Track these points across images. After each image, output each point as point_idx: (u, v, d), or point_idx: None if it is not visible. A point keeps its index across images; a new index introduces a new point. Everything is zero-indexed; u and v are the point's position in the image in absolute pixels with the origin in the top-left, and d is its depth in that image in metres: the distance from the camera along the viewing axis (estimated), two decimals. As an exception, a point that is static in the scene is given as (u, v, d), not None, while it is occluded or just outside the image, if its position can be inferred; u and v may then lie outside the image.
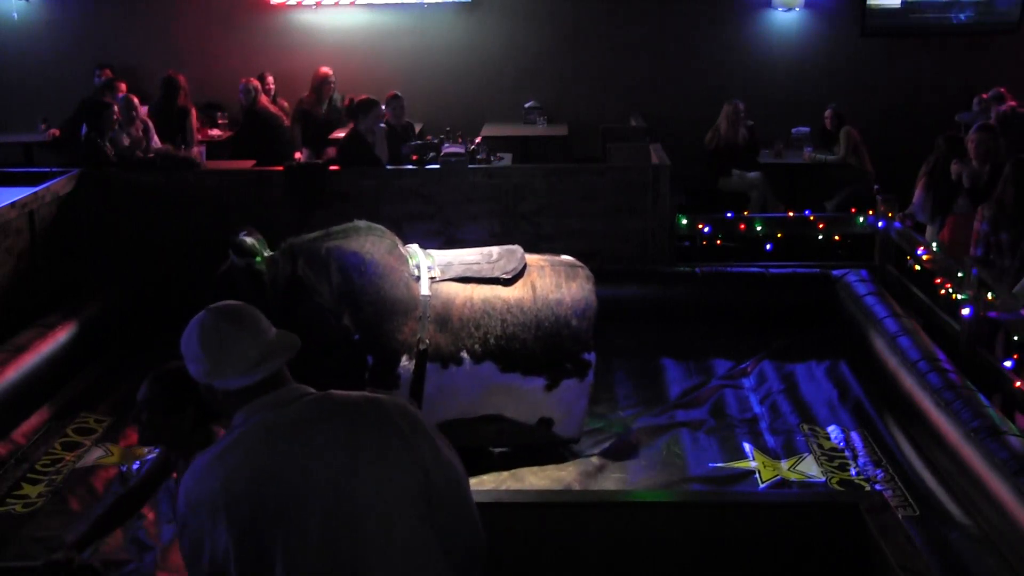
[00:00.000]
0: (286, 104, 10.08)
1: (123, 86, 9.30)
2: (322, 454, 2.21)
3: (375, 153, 7.70)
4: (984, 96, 9.12)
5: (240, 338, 2.31)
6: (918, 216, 7.09)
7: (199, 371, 2.33)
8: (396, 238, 5.03)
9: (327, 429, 2.24)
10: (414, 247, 5.05)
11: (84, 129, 7.96)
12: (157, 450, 5.22)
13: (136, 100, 8.36)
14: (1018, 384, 5.26)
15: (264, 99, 9.50)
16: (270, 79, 10.04)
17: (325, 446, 2.21)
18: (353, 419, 2.27)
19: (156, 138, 8.34)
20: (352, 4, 10.64)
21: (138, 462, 5.12)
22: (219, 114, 10.32)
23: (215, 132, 10.02)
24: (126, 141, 7.87)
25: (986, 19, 10.44)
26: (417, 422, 2.33)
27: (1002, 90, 8.79)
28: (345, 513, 2.19)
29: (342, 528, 2.19)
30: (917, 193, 6.79)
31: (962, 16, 10.36)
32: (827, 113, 9.61)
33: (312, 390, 2.36)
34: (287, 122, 9.61)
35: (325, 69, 9.68)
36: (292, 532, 2.18)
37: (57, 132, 9.67)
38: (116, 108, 7.91)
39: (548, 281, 5.00)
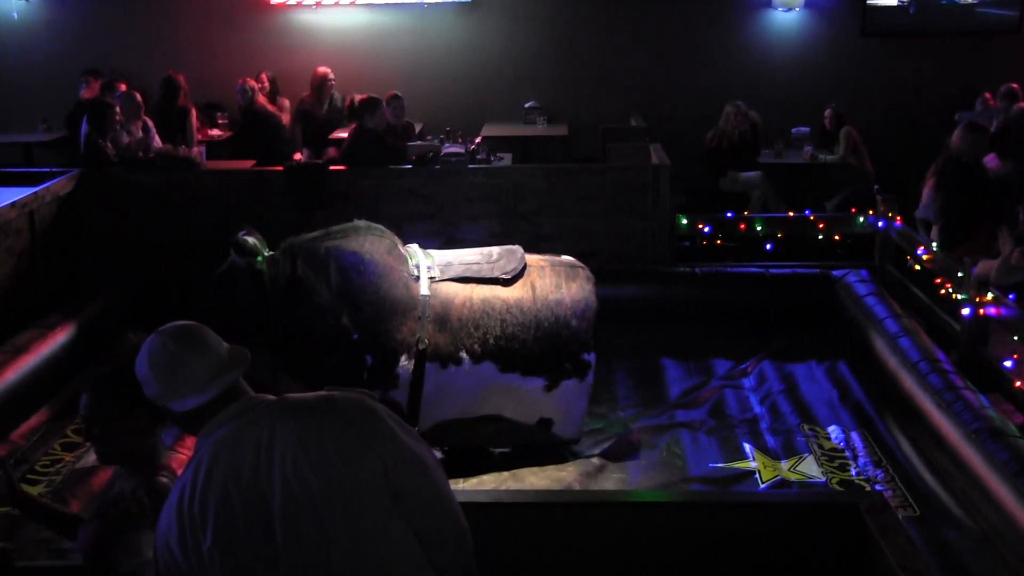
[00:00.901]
0: (287, 102, 10.07)
1: (123, 86, 9.30)
2: (281, 456, 2.23)
3: (391, 145, 7.69)
4: (987, 96, 9.08)
5: (188, 359, 2.34)
6: (926, 216, 7.05)
7: (152, 393, 2.37)
8: (396, 238, 5.03)
9: (282, 432, 2.26)
10: (414, 247, 5.05)
11: (84, 129, 7.96)
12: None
13: (139, 97, 8.34)
14: (1018, 384, 5.26)
15: (262, 99, 9.49)
16: (264, 77, 10.02)
17: (282, 448, 2.24)
18: (307, 419, 2.29)
19: (157, 138, 8.33)
20: (352, 4, 10.63)
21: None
22: (219, 114, 10.31)
23: (215, 132, 10.01)
24: (126, 140, 7.86)
25: (986, 19, 10.44)
26: (376, 417, 2.33)
27: (1014, 86, 8.74)
28: (307, 513, 2.21)
29: (306, 527, 2.21)
30: (925, 193, 6.77)
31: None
32: (827, 113, 9.60)
33: (270, 397, 2.38)
34: (286, 120, 9.59)
35: (323, 69, 9.68)
36: (264, 535, 2.21)
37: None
38: (118, 108, 7.91)
39: (548, 281, 5.00)
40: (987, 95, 9.07)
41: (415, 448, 2.34)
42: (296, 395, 2.37)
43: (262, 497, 2.21)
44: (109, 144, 7.61)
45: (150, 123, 8.42)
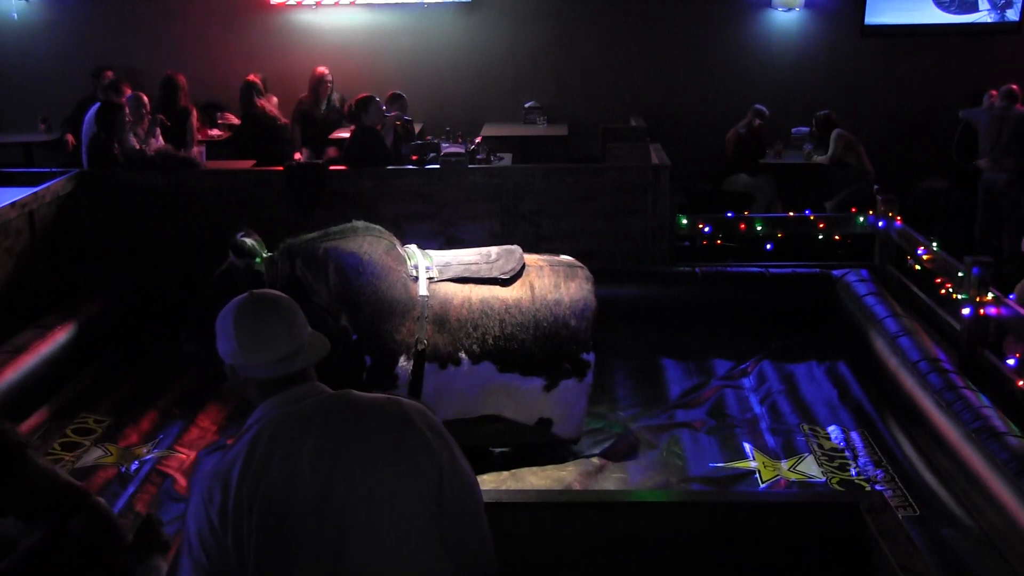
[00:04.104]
0: (275, 99, 10.03)
1: (127, 88, 9.28)
2: (342, 450, 2.22)
3: (385, 146, 7.71)
4: (993, 93, 9.05)
5: (274, 330, 2.33)
6: None
7: (227, 352, 2.35)
8: (394, 238, 5.02)
9: (345, 426, 2.25)
10: (412, 247, 5.05)
11: (87, 130, 7.95)
12: (157, 449, 5.25)
13: (145, 99, 8.33)
14: (1021, 384, 5.26)
15: (262, 101, 9.45)
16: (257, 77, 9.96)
17: (344, 443, 2.23)
18: (373, 419, 2.29)
19: (160, 138, 8.30)
20: (352, 4, 10.64)
21: (136, 462, 5.12)
22: (219, 114, 10.30)
23: (215, 132, 10.00)
24: (134, 142, 7.85)
25: (986, 19, 10.43)
26: (437, 426, 2.35)
27: (1014, 87, 8.72)
28: (358, 511, 2.20)
29: (354, 525, 2.20)
30: None
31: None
32: (813, 121, 9.58)
33: (328, 388, 2.38)
34: (280, 117, 9.57)
35: (321, 69, 9.67)
36: (311, 527, 2.19)
37: (72, 138, 9.58)
38: (127, 110, 7.91)
39: (547, 281, 4.99)
40: (993, 93, 9.03)
41: (464, 462, 2.37)
42: (360, 393, 2.37)
43: (316, 488, 2.19)
44: (116, 145, 7.60)
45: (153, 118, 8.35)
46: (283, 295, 2.45)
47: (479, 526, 2.39)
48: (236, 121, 9.88)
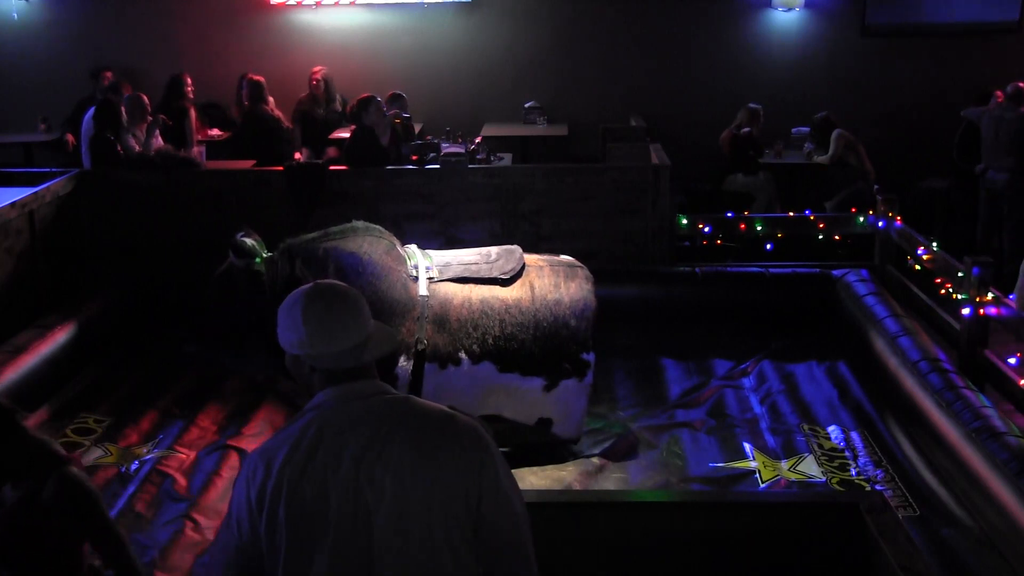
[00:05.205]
0: (271, 100, 10.04)
1: (127, 88, 9.28)
2: (388, 456, 2.20)
3: (383, 147, 7.72)
4: (999, 94, 9.00)
5: (342, 321, 2.30)
6: None
7: (293, 342, 2.31)
8: (394, 238, 5.02)
9: (398, 433, 2.23)
10: (412, 247, 5.05)
11: (87, 130, 7.94)
12: (157, 449, 5.24)
13: (146, 99, 8.33)
14: (1022, 383, 5.26)
15: (270, 100, 9.45)
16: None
17: (393, 449, 2.21)
18: (427, 430, 2.25)
19: (160, 138, 8.30)
20: (352, 4, 10.64)
21: (136, 462, 5.12)
22: (219, 114, 10.29)
23: (215, 132, 10.00)
24: (133, 143, 7.84)
25: (986, 18, 10.43)
26: (487, 450, 2.29)
27: (1022, 86, 8.71)
28: (395, 517, 2.19)
29: (377, 532, 2.18)
30: None
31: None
32: (812, 124, 9.58)
33: (392, 389, 2.36)
34: (284, 120, 9.58)
35: (316, 68, 9.68)
36: (333, 527, 2.19)
37: (72, 138, 9.60)
38: (123, 109, 7.91)
39: (547, 281, 4.99)
40: (999, 93, 9.01)
41: (510, 490, 2.31)
42: (423, 402, 2.34)
43: (352, 491, 2.18)
44: (118, 145, 7.60)
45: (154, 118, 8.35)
46: (348, 286, 2.41)
47: (520, 555, 2.31)
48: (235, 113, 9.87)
